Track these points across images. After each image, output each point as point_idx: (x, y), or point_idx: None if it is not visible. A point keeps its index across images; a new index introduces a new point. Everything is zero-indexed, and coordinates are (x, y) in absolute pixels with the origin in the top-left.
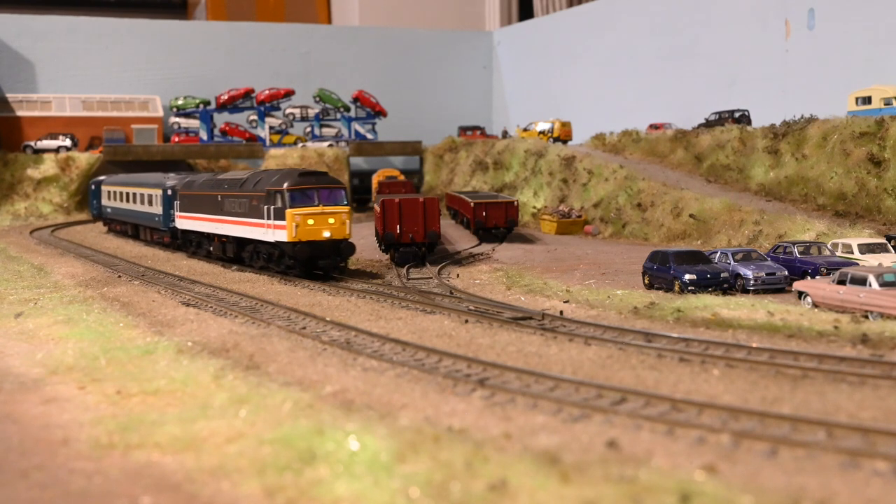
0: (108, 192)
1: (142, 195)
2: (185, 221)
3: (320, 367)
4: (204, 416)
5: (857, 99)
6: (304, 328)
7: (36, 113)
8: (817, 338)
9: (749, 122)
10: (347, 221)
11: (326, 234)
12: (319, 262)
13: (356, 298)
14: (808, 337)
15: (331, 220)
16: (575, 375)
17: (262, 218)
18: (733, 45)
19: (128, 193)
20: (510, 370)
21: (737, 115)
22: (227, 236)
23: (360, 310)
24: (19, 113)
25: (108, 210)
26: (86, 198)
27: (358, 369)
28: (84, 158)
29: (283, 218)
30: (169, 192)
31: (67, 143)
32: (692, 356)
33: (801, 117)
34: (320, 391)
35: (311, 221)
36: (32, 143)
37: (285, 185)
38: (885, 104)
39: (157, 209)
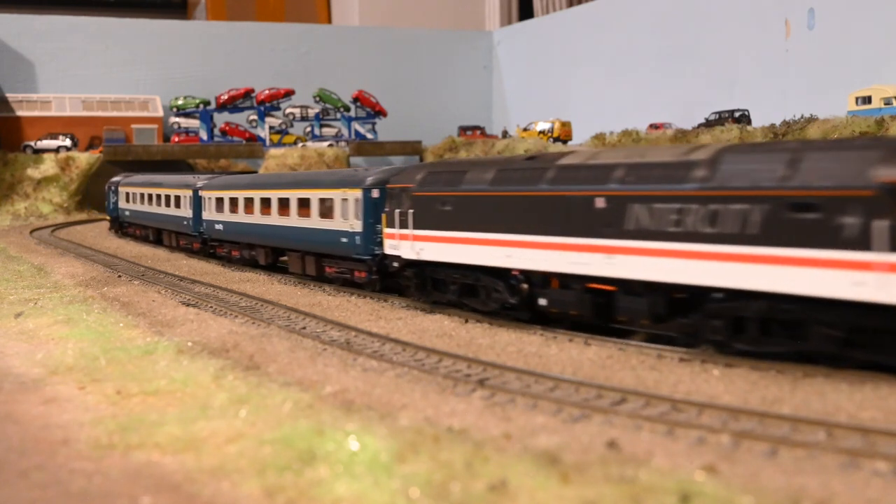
0: (217, 201)
1: (304, 201)
2: (430, 246)
3: (320, 367)
4: (204, 417)
5: (857, 99)
6: (305, 328)
7: (36, 113)
8: None
9: (749, 121)
10: None
11: None
12: None
13: (356, 298)
14: None
15: None
16: (575, 376)
17: (849, 247)
18: (733, 45)
19: (265, 200)
20: (510, 370)
21: (737, 114)
22: (604, 280)
23: (360, 310)
24: (19, 113)
25: (219, 227)
26: (86, 198)
27: (358, 369)
28: (84, 158)
29: None
30: (374, 193)
31: (67, 143)
32: (692, 356)
33: (801, 117)
34: (320, 391)
35: None
36: (32, 143)
37: None
38: (885, 104)
39: (347, 223)
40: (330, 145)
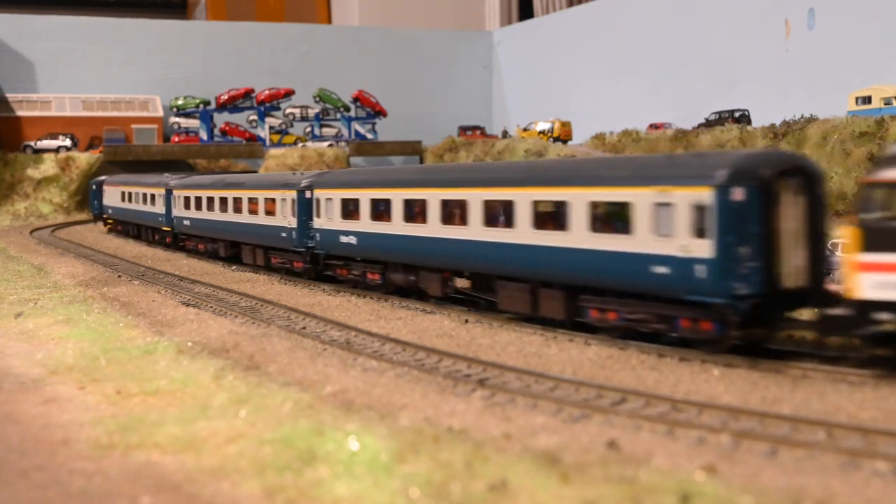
0: (346, 204)
1: (613, 208)
2: None
3: (320, 367)
4: (204, 417)
5: (857, 99)
6: (305, 328)
7: (36, 113)
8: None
9: (749, 121)
10: None
11: None
12: None
13: (356, 298)
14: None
15: None
16: (575, 376)
17: None
18: (733, 45)
19: (498, 204)
20: (510, 370)
21: (737, 114)
22: None
23: (360, 310)
24: (19, 113)
25: (348, 240)
26: (86, 198)
27: (358, 369)
28: (84, 158)
29: None
30: (734, 194)
31: (67, 143)
32: (692, 356)
33: (801, 117)
34: (320, 391)
35: None
36: (32, 143)
37: None
38: (885, 104)
39: (688, 243)
40: (330, 145)
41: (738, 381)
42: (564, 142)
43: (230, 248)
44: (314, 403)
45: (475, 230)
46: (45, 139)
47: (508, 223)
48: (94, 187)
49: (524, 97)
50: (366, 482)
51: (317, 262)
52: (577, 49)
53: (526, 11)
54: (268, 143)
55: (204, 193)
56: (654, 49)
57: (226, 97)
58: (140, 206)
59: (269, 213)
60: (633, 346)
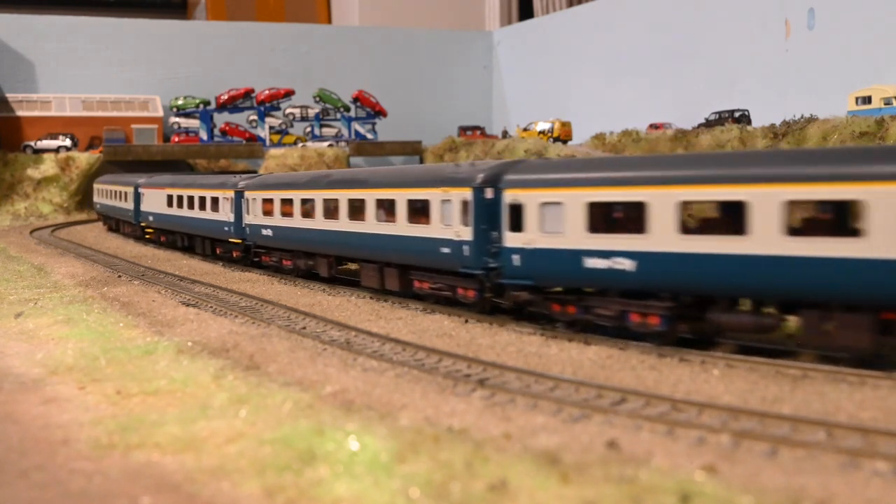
0: (598, 209)
1: None
2: None
3: (320, 367)
4: (204, 417)
5: (857, 99)
6: (305, 328)
7: (36, 113)
8: None
9: (749, 121)
10: None
11: None
12: None
13: (356, 298)
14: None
15: None
16: (575, 376)
17: None
18: (733, 45)
19: None
20: (510, 370)
21: (737, 114)
22: None
23: (360, 310)
24: (19, 113)
25: (609, 265)
26: (86, 198)
27: (358, 369)
28: (84, 158)
29: None
30: None
31: (67, 143)
32: (692, 356)
33: (801, 117)
34: (320, 391)
35: None
36: (32, 143)
37: None
38: (885, 104)
39: None
40: (330, 145)
41: (738, 381)
42: (564, 142)
43: (337, 264)
44: (314, 403)
45: None
46: (45, 139)
47: None
48: (137, 190)
49: (524, 97)
50: (366, 482)
51: (498, 290)
52: (577, 49)
53: (526, 11)
54: (268, 143)
55: (297, 195)
56: (654, 49)
57: (226, 97)
58: (196, 213)
59: (416, 219)
60: (633, 346)
